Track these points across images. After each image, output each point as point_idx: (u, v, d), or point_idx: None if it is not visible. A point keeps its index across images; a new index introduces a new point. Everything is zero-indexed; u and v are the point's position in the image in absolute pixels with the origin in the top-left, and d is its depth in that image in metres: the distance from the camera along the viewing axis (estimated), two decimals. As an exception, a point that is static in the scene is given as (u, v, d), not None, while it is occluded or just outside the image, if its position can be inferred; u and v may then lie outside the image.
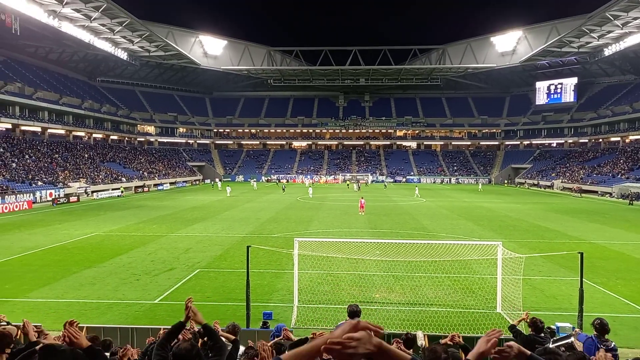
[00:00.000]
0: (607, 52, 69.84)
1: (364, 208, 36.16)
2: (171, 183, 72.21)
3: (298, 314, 12.74)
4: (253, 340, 7.61)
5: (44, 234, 26.35)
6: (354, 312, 7.39)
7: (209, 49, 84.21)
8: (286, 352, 1.82)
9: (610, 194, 55.45)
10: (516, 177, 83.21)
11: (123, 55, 74.85)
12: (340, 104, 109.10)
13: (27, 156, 53.74)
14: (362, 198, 38.41)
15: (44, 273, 17.44)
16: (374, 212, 37.71)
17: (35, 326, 4.66)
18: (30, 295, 14.72)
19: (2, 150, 51.31)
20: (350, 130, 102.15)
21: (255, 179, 77.55)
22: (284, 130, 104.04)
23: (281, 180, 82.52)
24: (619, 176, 60.31)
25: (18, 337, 6.66)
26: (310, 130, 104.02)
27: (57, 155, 59.04)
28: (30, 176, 48.58)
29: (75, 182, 52.83)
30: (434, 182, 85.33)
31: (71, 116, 69.49)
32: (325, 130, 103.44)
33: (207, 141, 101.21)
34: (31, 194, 43.69)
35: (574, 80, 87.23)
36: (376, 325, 1.63)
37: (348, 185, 73.45)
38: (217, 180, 77.74)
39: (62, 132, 67.93)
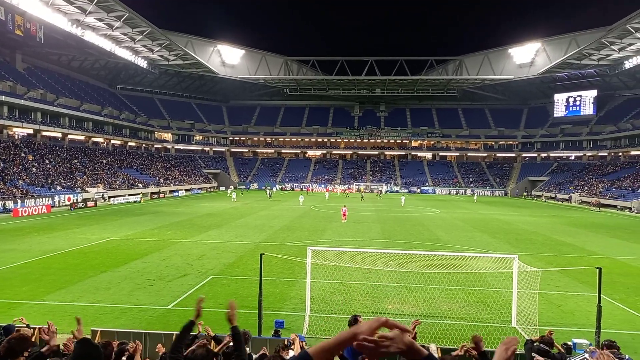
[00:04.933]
0: (628, 64, 68.99)
1: (346, 217, 36.70)
2: (186, 190, 72.91)
3: (310, 323, 12.70)
4: (266, 348, 7.62)
5: (63, 238, 26.76)
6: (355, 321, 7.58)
7: (227, 58, 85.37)
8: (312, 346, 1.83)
9: (630, 208, 54.22)
10: (533, 189, 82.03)
11: (143, 64, 76.42)
12: (356, 113, 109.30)
13: (47, 161, 54.83)
14: (344, 206, 38.74)
15: (61, 276, 17.69)
16: (386, 222, 37.53)
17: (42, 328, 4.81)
18: (46, 298, 14.92)
19: (23, 155, 52.46)
20: (365, 140, 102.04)
21: (270, 187, 77.45)
22: (299, 139, 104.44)
23: (271, 188, 76.50)
24: (639, 190, 59.04)
25: (35, 339, 6.79)
26: (325, 140, 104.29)
27: (76, 161, 60.11)
28: (49, 181, 49.54)
29: (93, 187, 53.69)
30: (449, 194, 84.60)
31: (91, 122, 70.79)
32: (340, 140, 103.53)
33: (222, 149, 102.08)
34: (50, 198, 44.51)
35: (593, 93, 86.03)
36: (401, 324, 1.64)
37: (347, 194, 72.90)
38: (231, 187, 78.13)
39: (82, 138, 69.21)
